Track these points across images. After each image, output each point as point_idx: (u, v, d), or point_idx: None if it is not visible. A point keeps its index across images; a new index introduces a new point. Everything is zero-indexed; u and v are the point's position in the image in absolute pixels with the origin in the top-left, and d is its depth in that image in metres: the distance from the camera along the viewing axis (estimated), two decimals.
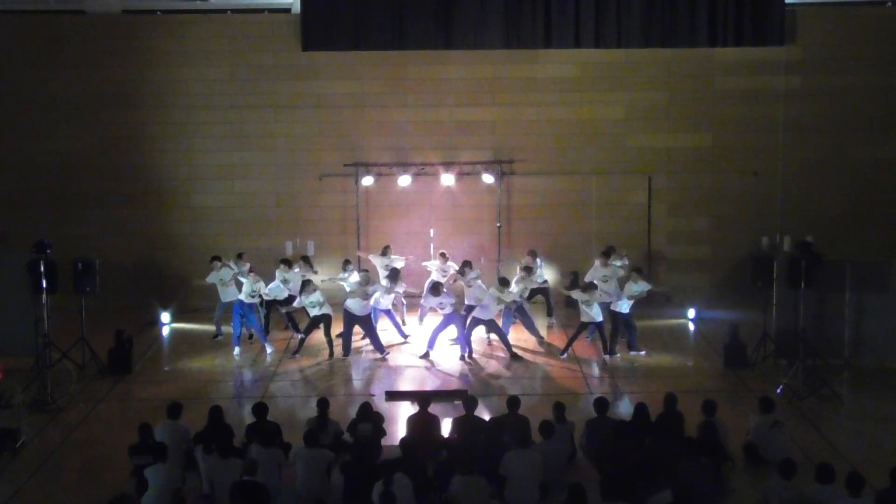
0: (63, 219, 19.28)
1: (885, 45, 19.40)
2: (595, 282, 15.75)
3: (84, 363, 14.96)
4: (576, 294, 15.55)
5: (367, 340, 16.02)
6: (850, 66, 19.42)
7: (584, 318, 15.41)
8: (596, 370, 15.14)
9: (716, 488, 9.88)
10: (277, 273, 16.66)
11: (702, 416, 11.14)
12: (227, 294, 16.72)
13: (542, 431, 10.63)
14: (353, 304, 15.60)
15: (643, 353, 15.74)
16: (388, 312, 16.60)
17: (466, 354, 15.59)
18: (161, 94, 19.35)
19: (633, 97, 19.48)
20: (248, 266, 16.95)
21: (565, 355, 15.62)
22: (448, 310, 15.58)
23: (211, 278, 16.84)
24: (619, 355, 15.59)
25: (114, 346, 15.14)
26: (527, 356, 15.80)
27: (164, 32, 19.31)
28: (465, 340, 15.63)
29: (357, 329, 15.85)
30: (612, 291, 15.96)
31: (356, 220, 19.37)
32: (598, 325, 15.49)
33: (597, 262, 16.55)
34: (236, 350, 16.12)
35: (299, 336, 16.09)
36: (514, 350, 15.77)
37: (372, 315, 16.09)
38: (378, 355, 15.70)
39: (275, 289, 16.45)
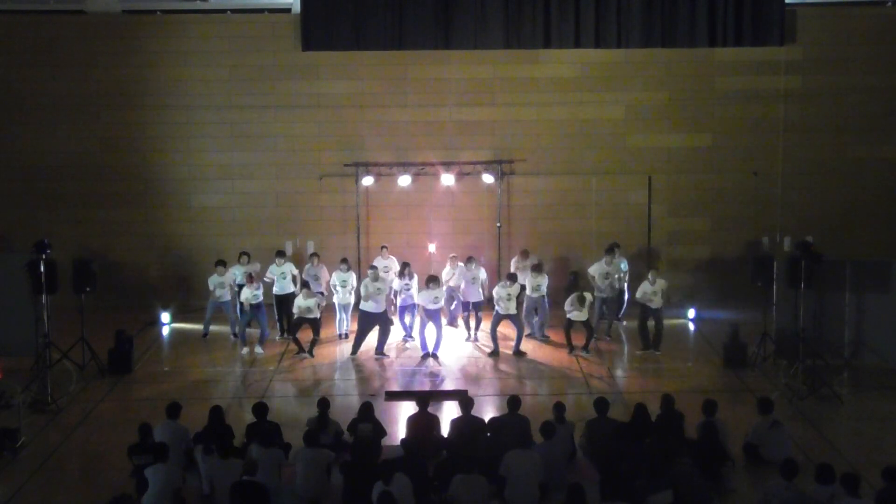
0: (63, 219, 19.28)
1: (885, 45, 19.37)
2: (596, 276, 16.73)
3: (84, 363, 14.96)
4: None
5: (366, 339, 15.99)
6: (850, 66, 19.39)
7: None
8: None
9: (706, 486, 9.88)
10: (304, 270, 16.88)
11: (702, 416, 11.16)
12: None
13: (544, 432, 10.63)
14: (368, 305, 15.62)
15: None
16: (402, 310, 16.65)
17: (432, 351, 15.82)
18: (161, 94, 19.33)
19: (633, 97, 19.46)
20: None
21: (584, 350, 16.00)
22: (440, 304, 15.72)
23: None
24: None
25: (114, 346, 15.15)
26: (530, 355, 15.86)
27: (164, 32, 19.29)
28: (439, 338, 15.85)
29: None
30: (605, 288, 16.71)
31: (356, 220, 19.36)
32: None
33: (602, 260, 17.01)
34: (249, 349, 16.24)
35: (290, 338, 16.10)
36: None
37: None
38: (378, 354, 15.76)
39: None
